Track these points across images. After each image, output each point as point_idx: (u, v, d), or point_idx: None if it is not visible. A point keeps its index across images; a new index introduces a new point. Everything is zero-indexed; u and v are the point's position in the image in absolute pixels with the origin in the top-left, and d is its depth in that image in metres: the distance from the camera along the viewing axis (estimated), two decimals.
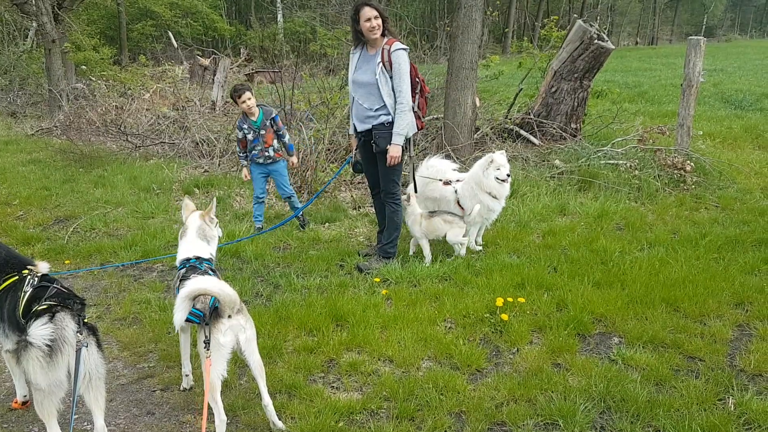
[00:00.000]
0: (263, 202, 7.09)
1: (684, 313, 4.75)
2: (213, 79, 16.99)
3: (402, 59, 5.47)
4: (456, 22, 8.54)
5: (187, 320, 3.55)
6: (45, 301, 3.19)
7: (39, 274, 3.47)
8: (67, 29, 18.38)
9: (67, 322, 3.02)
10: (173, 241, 6.57)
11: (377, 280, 5.52)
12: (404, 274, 5.59)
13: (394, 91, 5.53)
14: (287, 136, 6.97)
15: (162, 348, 4.52)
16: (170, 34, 32.52)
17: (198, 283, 3.14)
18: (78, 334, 3.02)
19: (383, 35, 5.55)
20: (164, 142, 11.38)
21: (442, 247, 6.32)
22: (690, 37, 8.42)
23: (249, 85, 6.93)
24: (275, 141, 6.79)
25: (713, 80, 17.87)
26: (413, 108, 5.72)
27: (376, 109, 5.61)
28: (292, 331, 4.62)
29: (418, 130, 5.99)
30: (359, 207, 7.97)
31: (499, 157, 5.96)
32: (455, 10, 8.64)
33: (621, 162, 8.42)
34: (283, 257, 6.24)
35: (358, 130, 5.85)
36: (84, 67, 20.99)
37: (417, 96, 5.77)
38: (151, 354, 4.46)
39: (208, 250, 3.91)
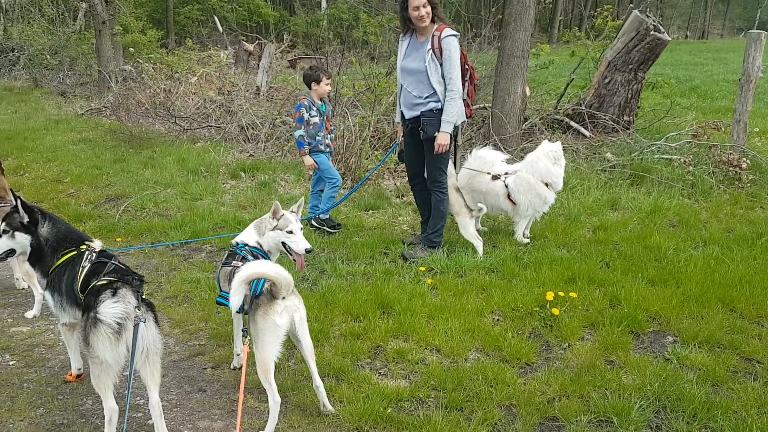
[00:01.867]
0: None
1: (741, 313, 4.60)
2: (258, 65, 17.11)
3: (453, 46, 5.38)
4: (509, 9, 8.39)
5: (220, 304, 3.65)
6: (104, 276, 3.23)
7: (97, 250, 3.53)
8: (117, 11, 18.70)
9: (129, 298, 3.06)
10: (221, 222, 6.65)
11: (422, 269, 5.48)
12: (450, 264, 5.53)
13: (444, 78, 5.45)
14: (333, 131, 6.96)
15: (212, 327, 4.57)
16: (216, 18, 32.84)
17: (254, 267, 3.15)
18: (136, 309, 3.05)
19: (433, 22, 5.47)
20: (211, 126, 11.49)
21: (488, 238, 6.25)
22: (750, 31, 8.14)
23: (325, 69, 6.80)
24: (331, 131, 6.76)
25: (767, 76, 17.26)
26: (463, 96, 5.64)
27: (426, 97, 5.54)
28: (339, 316, 4.62)
29: (467, 118, 5.91)
30: (402, 195, 7.93)
31: (559, 146, 5.94)
32: None
33: (675, 157, 8.19)
34: (327, 242, 6.25)
35: (406, 117, 5.79)
36: (132, 49, 21.36)
37: (467, 83, 5.69)
38: (201, 332, 4.52)
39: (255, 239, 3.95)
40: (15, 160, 9.60)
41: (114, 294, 3.03)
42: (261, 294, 3.21)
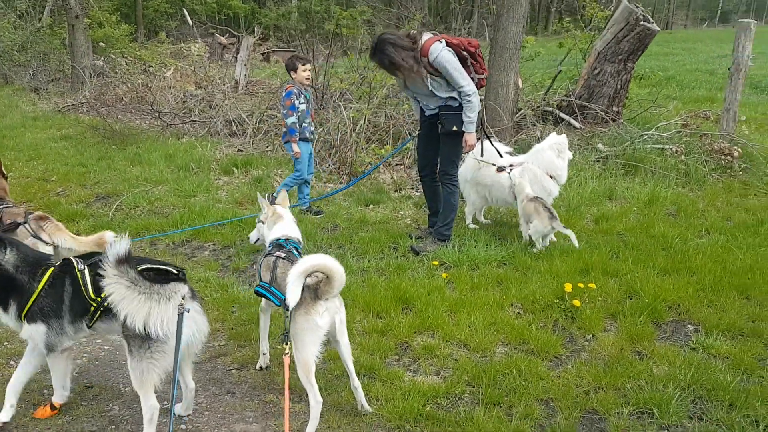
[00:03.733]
0: (309, 184, 7.01)
1: (757, 301, 4.66)
2: (235, 58, 16.85)
3: (444, 59, 5.26)
4: (501, 1, 8.37)
5: (259, 294, 3.53)
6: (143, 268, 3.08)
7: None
8: (86, 5, 18.20)
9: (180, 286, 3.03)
10: (220, 219, 6.50)
11: (435, 263, 5.44)
12: (462, 258, 5.50)
13: (456, 86, 5.39)
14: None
15: (229, 327, 4.46)
16: (185, 11, 32.25)
17: (315, 259, 3.06)
18: (182, 298, 2.99)
19: (416, 55, 5.32)
20: (195, 121, 11.27)
21: (495, 230, 6.24)
22: (740, 20, 8.26)
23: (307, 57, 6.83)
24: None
25: None
26: (474, 78, 5.53)
27: (441, 106, 5.55)
28: (359, 312, 4.55)
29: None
30: (400, 189, 7.87)
31: (565, 139, 5.94)
32: None
33: (667, 147, 8.28)
34: (334, 238, 6.16)
35: (426, 113, 5.78)
36: (102, 44, 20.84)
37: (472, 67, 5.58)
38: (219, 332, 4.41)
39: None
40: None
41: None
42: (303, 293, 3.12)
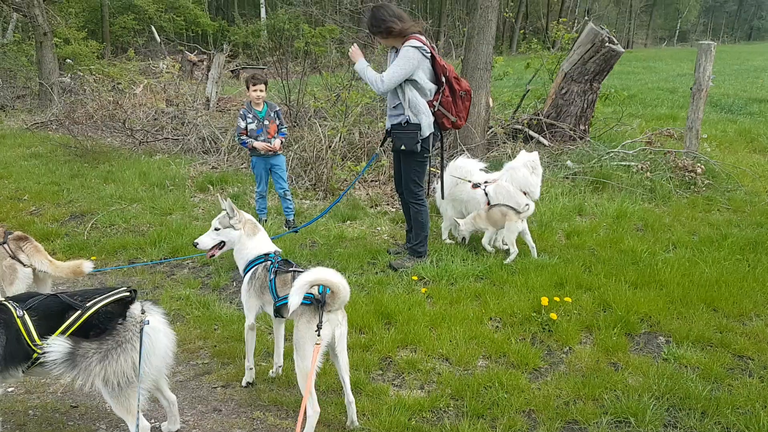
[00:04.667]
0: (266, 197, 7.13)
1: (723, 312, 4.85)
2: (206, 75, 16.84)
3: (404, 53, 5.37)
4: (472, 23, 8.60)
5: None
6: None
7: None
8: (54, 22, 18.04)
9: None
10: (198, 235, 6.49)
11: (415, 278, 5.54)
12: (440, 273, 5.61)
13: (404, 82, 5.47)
14: (285, 130, 7.06)
15: (212, 344, 4.49)
16: (153, 28, 32.10)
17: (323, 273, 3.14)
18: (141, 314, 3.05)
19: (400, 36, 5.48)
20: (168, 138, 11.24)
21: (470, 245, 6.37)
22: (701, 42, 8.59)
23: (266, 77, 6.95)
24: (276, 134, 6.87)
25: None
26: (435, 106, 5.65)
27: (394, 107, 5.62)
28: None
29: (445, 128, 5.87)
30: (376, 205, 7.98)
31: (536, 156, 6.10)
32: (471, 11, 8.69)
33: (633, 164, 8.55)
34: (312, 254, 6.22)
35: (386, 126, 5.90)
36: (69, 60, 20.61)
37: (441, 95, 5.69)
38: (201, 350, 4.43)
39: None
40: None
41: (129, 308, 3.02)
42: (309, 303, 3.20)
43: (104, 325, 3.04)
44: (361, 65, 5.62)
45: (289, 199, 7.06)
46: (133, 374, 2.93)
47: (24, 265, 4.32)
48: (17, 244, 4.39)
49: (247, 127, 6.75)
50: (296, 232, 6.73)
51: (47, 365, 2.88)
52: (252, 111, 6.77)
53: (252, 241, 3.90)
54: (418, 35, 5.45)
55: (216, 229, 4.02)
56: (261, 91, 6.71)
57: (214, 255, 4.07)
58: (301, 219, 7.28)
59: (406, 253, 6.11)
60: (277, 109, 6.94)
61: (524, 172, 6.20)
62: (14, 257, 4.32)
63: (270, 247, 3.90)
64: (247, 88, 6.82)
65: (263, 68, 26.24)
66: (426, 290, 5.29)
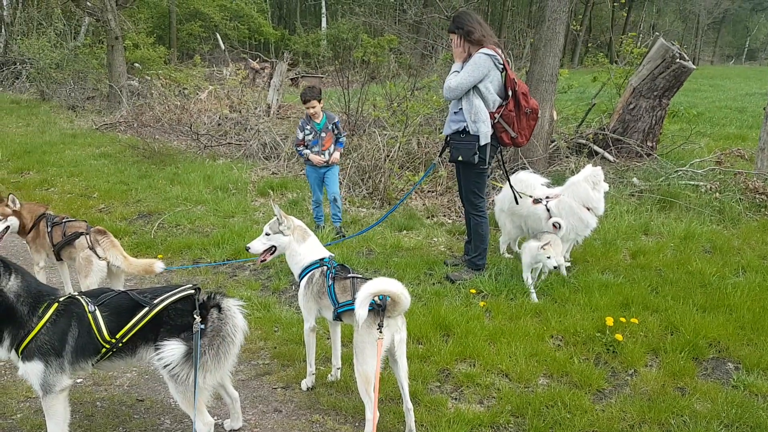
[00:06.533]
0: (321, 205, 7.19)
1: None
2: (269, 83, 17.18)
3: (476, 58, 5.36)
4: (539, 35, 8.51)
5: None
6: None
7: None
8: (123, 26, 18.73)
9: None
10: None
11: (473, 291, 5.48)
12: (499, 287, 5.54)
13: (474, 90, 5.45)
14: (344, 140, 7.11)
15: (272, 346, 4.55)
16: (218, 35, 33.02)
17: (385, 283, 3.17)
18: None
19: (477, 44, 5.48)
20: (230, 143, 11.50)
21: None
22: None
23: (318, 91, 6.93)
24: (332, 145, 6.90)
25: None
26: (495, 118, 5.60)
27: (455, 113, 5.60)
28: None
29: (503, 143, 5.75)
30: (433, 216, 7.95)
31: (600, 171, 5.94)
32: (538, 23, 8.62)
33: (701, 183, 8.29)
34: (369, 262, 6.24)
35: (444, 133, 5.88)
36: (138, 65, 21.38)
37: (504, 107, 5.64)
38: (262, 351, 4.49)
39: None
40: (38, 174, 9.54)
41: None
42: (370, 308, 3.23)
43: (176, 321, 3.12)
44: (455, 67, 5.59)
45: (338, 206, 7.06)
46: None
47: (99, 258, 4.48)
48: (95, 237, 4.56)
49: (304, 138, 6.85)
50: (343, 240, 6.73)
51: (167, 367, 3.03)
52: (310, 123, 6.84)
53: (302, 246, 3.94)
54: (494, 46, 5.45)
55: (267, 234, 4.07)
56: (313, 107, 6.75)
57: (265, 260, 4.14)
58: (357, 227, 7.32)
59: (464, 265, 6.06)
60: (336, 120, 6.97)
61: (586, 187, 6.03)
62: (92, 248, 4.49)
63: (323, 252, 3.94)
64: (304, 104, 6.87)
65: (321, 77, 26.69)
66: (484, 304, 5.23)
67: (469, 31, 5.45)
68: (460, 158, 5.56)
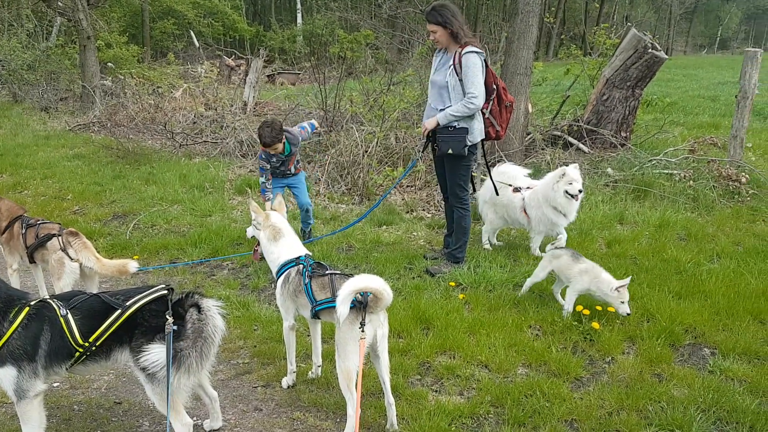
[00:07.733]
0: (308, 209, 6.63)
1: None
2: (245, 80, 17.05)
3: (470, 61, 5.41)
4: (512, 28, 8.54)
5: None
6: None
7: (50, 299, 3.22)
8: (95, 26, 18.43)
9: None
10: (238, 239, 6.58)
11: (452, 284, 5.51)
12: (478, 279, 5.57)
13: (465, 94, 5.49)
14: (315, 123, 6.79)
15: (251, 344, 4.53)
16: (192, 33, 32.66)
17: (366, 280, 3.18)
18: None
19: (457, 41, 5.52)
20: (206, 141, 11.39)
21: (508, 252, 6.31)
22: (747, 49, 8.40)
23: (279, 129, 6.03)
24: (296, 161, 6.42)
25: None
26: (485, 113, 5.69)
27: (441, 110, 5.60)
28: None
29: (490, 138, 5.87)
30: (412, 210, 7.97)
31: (572, 171, 5.79)
32: (512, 16, 8.64)
33: (675, 172, 8.39)
34: (349, 258, 6.23)
35: (423, 129, 5.89)
36: (111, 64, 21.07)
37: (491, 102, 5.70)
38: (242, 350, 4.47)
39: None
40: (11, 177, 9.37)
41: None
42: (352, 306, 3.24)
43: (150, 323, 3.09)
44: (443, 118, 5.51)
45: (309, 216, 6.60)
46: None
47: (71, 260, 4.43)
48: (67, 238, 4.51)
49: (272, 167, 6.22)
50: (310, 242, 6.43)
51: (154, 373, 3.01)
52: (275, 155, 6.16)
53: (275, 246, 3.93)
54: (476, 43, 5.53)
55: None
56: (275, 149, 6.07)
57: (257, 251, 4.16)
58: (337, 223, 7.31)
59: (443, 258, 6.08)
60: (298, 144, 6.35)
61: (550, 187, 5.95)
62: (64, 250, 4.44)
63: (300, 250, 3.92)
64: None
65: (298, 73, 26.49)
66: (464, 296, 5.25)
67: (449, 22, 5.45)
68: (450, 151, 5.58)
